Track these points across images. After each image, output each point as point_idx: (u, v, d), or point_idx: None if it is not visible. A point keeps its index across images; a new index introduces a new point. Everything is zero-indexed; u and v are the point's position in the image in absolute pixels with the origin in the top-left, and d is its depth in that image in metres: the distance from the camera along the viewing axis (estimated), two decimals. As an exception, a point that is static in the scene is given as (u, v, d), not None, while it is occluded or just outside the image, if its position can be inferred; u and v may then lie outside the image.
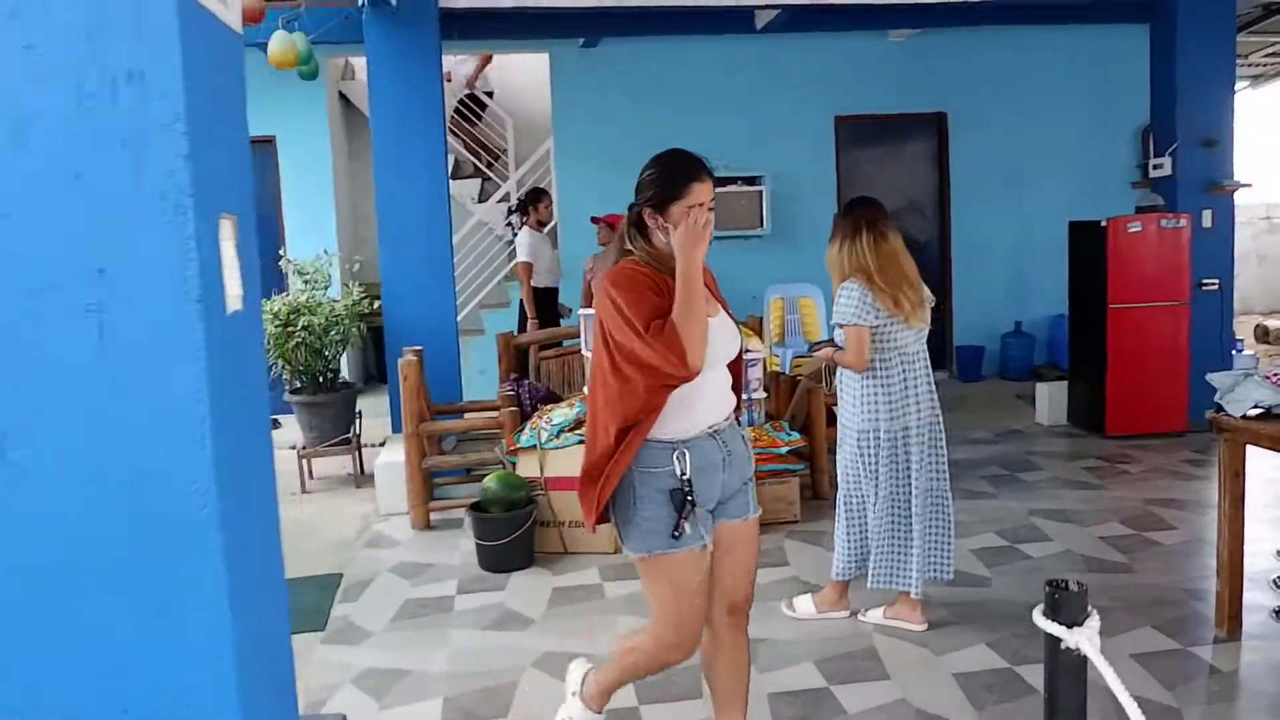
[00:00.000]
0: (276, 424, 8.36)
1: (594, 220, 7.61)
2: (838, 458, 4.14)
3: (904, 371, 3.91)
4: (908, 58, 9.17)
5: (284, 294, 6.62)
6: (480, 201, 9.85)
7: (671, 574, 2.65)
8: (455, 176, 10.00)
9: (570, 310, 7.90)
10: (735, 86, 8.99)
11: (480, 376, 8.38)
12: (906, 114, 9.33)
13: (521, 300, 7.84)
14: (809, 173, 9.00)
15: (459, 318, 8.99)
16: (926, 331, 4.01)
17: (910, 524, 3.94)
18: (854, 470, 4.03)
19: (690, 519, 2.60)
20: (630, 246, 2.71)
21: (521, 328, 7.68)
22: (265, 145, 8.70)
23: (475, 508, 5.03)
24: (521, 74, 10.37)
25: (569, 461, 5.09)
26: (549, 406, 5.42)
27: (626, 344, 2.52)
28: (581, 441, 5.10)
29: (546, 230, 7.92)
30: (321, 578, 5.01)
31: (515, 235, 7.93)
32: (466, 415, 6.54)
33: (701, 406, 2.66)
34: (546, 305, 7.70)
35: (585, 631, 4.19)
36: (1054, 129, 9.32)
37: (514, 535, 4.88)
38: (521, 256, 7.65)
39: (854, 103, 9.17)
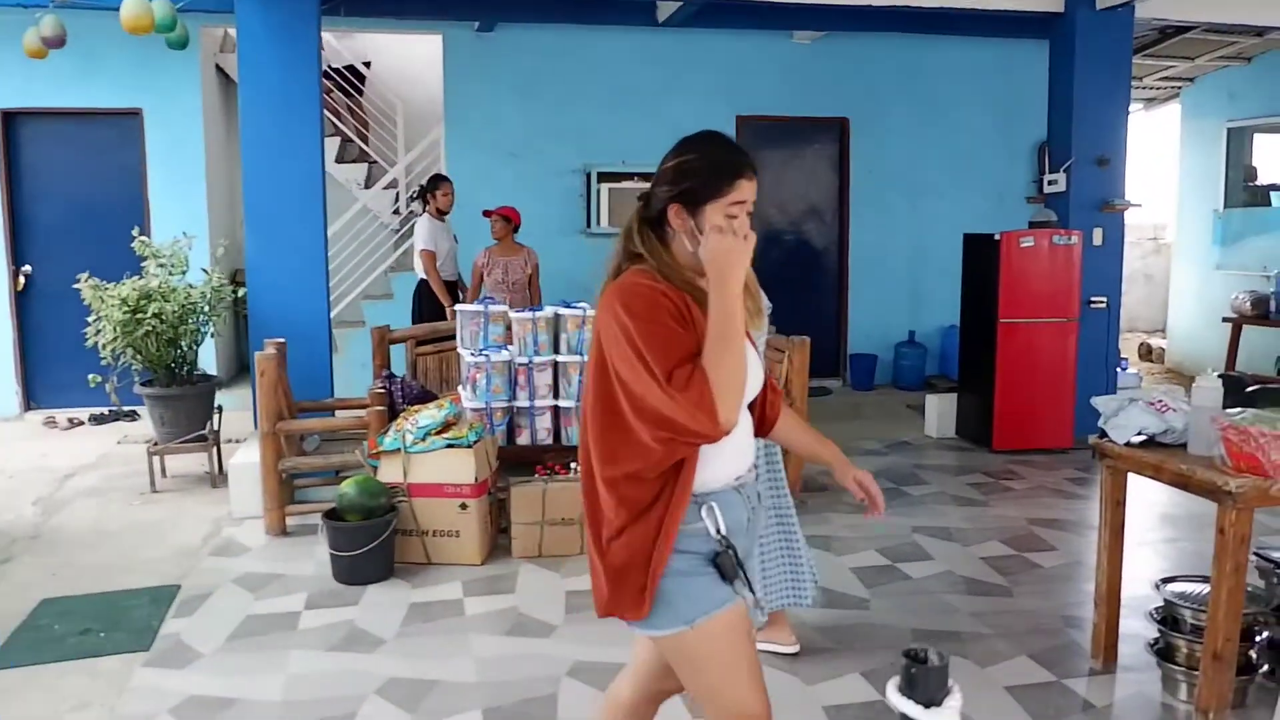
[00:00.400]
0: (133, 415, 7.82)
1: (486, 213, 7.28)
2: None
3: None
4: (812, 60, 9.05)
5: (137, 278, 6.12)
6: (366, 187, 9.40)
7: (728, 636, 2.06)
8: (341, 160, 9.54)
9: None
10: (636, 80, 8.74)
11: (363, 370, 7.95)
12: (809, 117, 9.20)
13: (416, 292, 7.45)
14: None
15: (338, 310, 8.59)
16: (764, 340, 3.81)
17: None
18: None
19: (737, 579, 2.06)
20: (641, 250, 2.09)
21: (417, 319, 7.29)
22: (130, 118, 8.13)
23: (331, 515, 4.67)
24: (410, 56, 9.95)
25: (434, 466, 4.77)
26: (416, 407, 5.08)
27: (640, 391, 1.94)
28: (450, 445, 4.79)
29: (446, 219, 7.54)
30: (155, 590, 4.58)
31: (413, 223, 7.55)
32: (338, 413, 6.15)
33: (729, 453, 2.10)
34: (437, 299, 7.33)
35: (438, 653, 3.88)
36: (954, 140, 9.30)
37: (371, 545, 4.54)
38: (421, 244, 7.30)
39: (757, 103, 9.00)
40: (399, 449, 4.83)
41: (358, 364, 7.97)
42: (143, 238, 6.26)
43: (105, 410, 7.96)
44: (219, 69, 8.98)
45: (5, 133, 8.10)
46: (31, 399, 8.36)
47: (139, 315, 5.86)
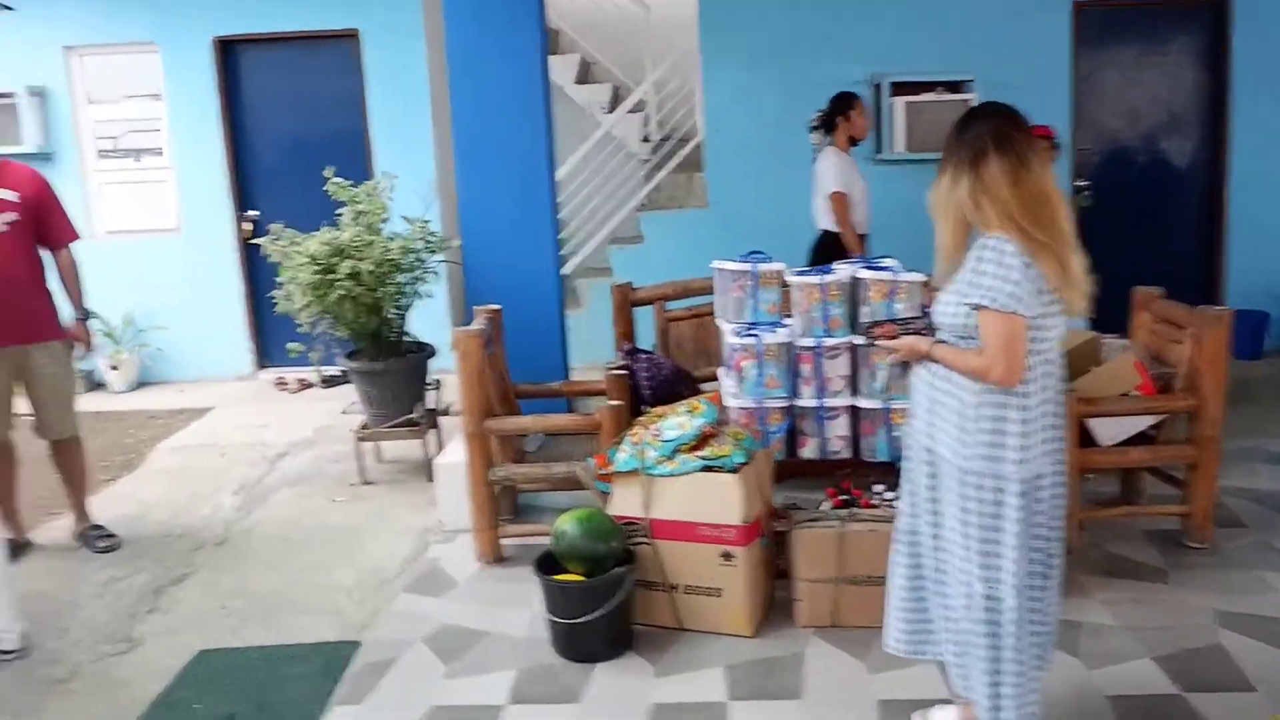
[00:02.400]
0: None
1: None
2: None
3: (1045, 389, 2.41)
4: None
5: (329, 228, 5.08)
6: (609, 111, 8.09)
7: None
8: (583, 81, 8.27)
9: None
10: (939, -39, 6.87)
11: (609, 329, 6.71)
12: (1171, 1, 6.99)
13: (818, 247, 5.66)
14: (1034, 77, 6.80)
15: (580, 257, 7.39)
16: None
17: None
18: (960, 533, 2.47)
19: None
20: None
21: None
22: (346, 41, 7.18)
23: (545, 564, 3.42)
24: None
25: (685, 497, 3.40)
26: (660, 410, 3.71)
27: None
28: (708, 467, 3.42)
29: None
30: (329, 649, 3.51)
31: (814, 156, 5.79)
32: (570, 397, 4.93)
33: None
34: (836, 256, 5.24)
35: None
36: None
37: (599, 612, 3.25)
38: (833, 185, 5.55)
39: (1100, -17, 6.91)
40: (637, 469, 3.49)
41: (602, 320, 6.71)
42: (337, 179, 5.19)
43: (338, 370, 7.16)
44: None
45: (224, 64, 7.37)
46: (265, 356, 7.75)
47: (330, 275, 4.82)
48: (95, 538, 4.55)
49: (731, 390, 3.91)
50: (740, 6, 6.98)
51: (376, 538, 4.51)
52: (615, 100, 8.33)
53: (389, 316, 5.07)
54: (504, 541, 4.16)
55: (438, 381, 5.46)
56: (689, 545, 3.43)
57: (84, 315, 4.53)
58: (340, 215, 5.12)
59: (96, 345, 5.02)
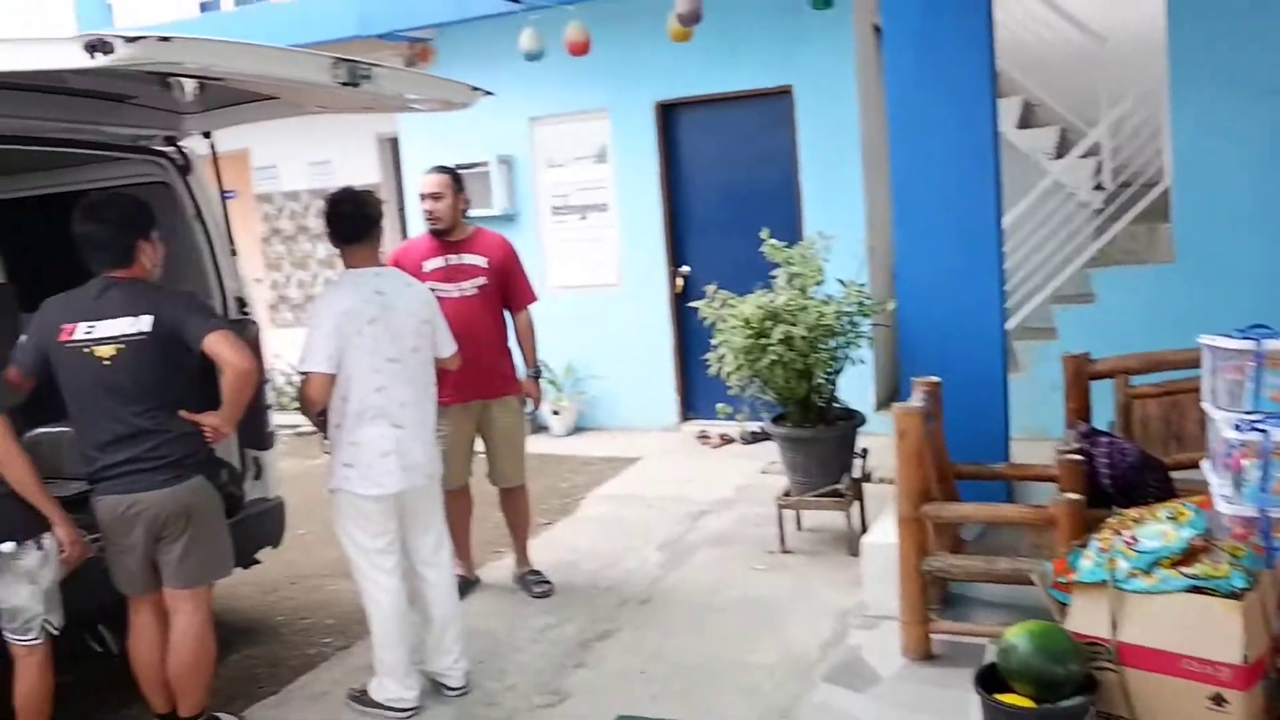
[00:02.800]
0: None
1: None
2: None
3: None
4: None
5: (764, 291, 5.01)
6: (1057, 157, 7.40)
7: None
8: (1025, 125, 7.67)
9: None
10: None
11: (1052, 396, 6.04)
12: None
13: None
14: None
15: (1020, 317, 6.79)
16: None
17: None
18: None
19: None
20: None
21: None
22: (779, 98, 7.18)
23: (988, 679, 3.01)
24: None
25: (1166, 621, 2.84)
26: (1135, 513, 3.15)
27: None
28: (1197, 588, 2.85)
29: None
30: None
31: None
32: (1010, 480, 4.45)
33: None
34: None
35: None
36: None
37: (1053, 747, 2.79)
38: None
39: None
40: (1105, 581, 2.98)
41: (1044, 387, 6.06)
42: (773, 241, 5.12)
43: (759, 427, 7.14)
44: (876, 30, 7.67)
45: (664, 126, 7.70)
46: (689, 409, 7.94)
47: (763, 340, 4.74)
48: (533, 582, 4.79)
49: (1226, 493, 3.25)
50: (1219, 29, 6.03)
51: (796, 614, 4.32)
52: (1063, 144, 7.62)
53: (819, 382, 4.90)
54: (934, 636, 3.78)
55: (864, 451, 5.19)
56: (1167, 680, 2.85)
57: (536, 372, 4.82)
58: (774, 277, 5.05)
59: (544, 399, 5.35)
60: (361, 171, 9.77)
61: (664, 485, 6.43)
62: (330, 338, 3.51)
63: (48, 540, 3.30)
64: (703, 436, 7.51)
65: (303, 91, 3.68)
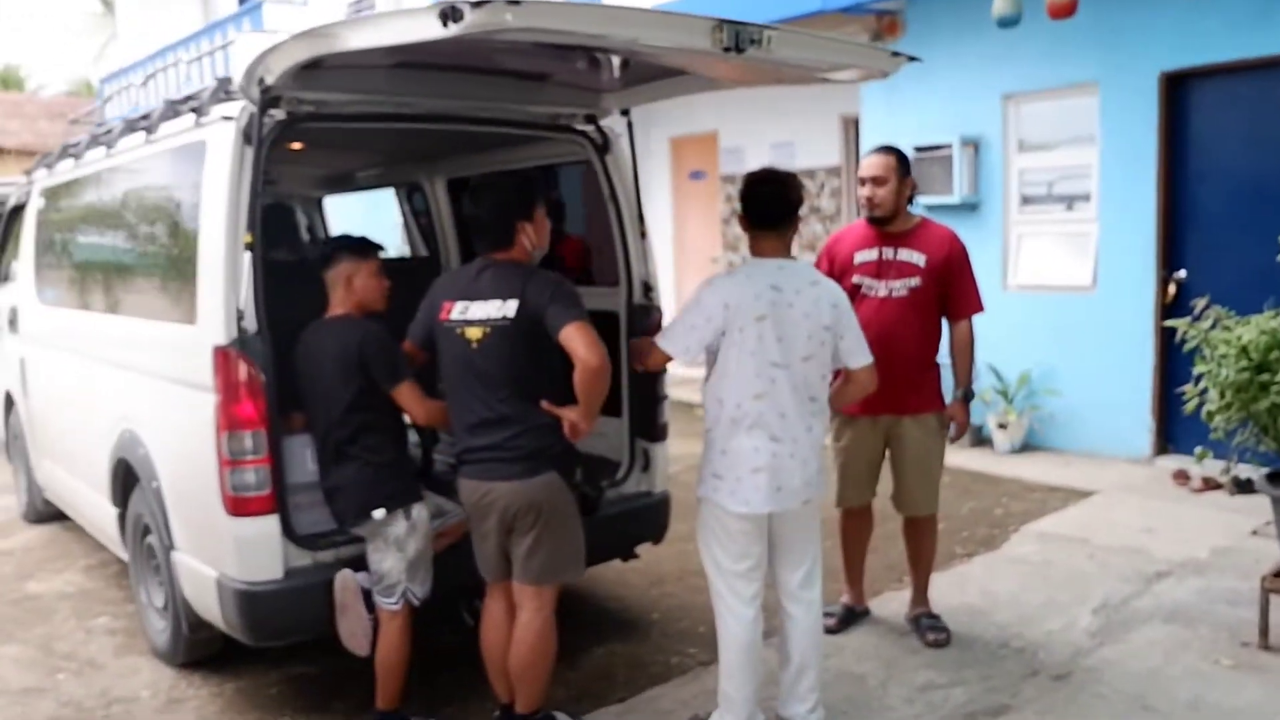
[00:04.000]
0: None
1: None
2: None
3: None
4: None
5: (1278, 313, 3.88)
6: None
7: None
8: None
9: None
10: None
11: None
12: None
13: None
14: None
15: None
16: None
17: None
18: None
19: None
20: None
21: None
22: None
23: None
24: None
25: None
26: None
27: None
28: None
29: None
30: None
31: None
32: None
33: None
34: None
35: None
36: None
37: None
38: None
39: None
40: None
41: None
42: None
43: (1256, 475, 5.77)
44: None
45: (1168, 102, 6.43)
46: (1168, 440, 6.65)
47: (1264, 376, 3.65)
48: (928, 627, 4.17)
49: None
50: None
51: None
52: None
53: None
54: None
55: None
56: None
57: (966, 394, 4.14)
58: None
59: (969, 428, 4.56)
60: (823, 152, 9.47)
61: (1118, 531, 5.37)
62: (697, 329, 3.19)
63: (416, 510, 3.37)
64: (1180, 476, 6.23)
65: (702, 61, 3.38)
